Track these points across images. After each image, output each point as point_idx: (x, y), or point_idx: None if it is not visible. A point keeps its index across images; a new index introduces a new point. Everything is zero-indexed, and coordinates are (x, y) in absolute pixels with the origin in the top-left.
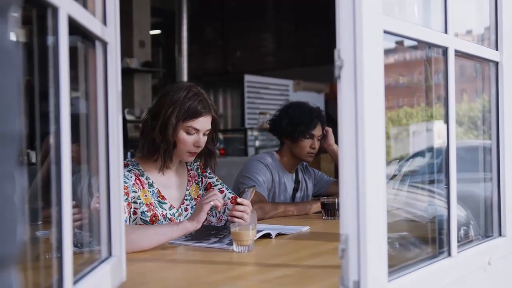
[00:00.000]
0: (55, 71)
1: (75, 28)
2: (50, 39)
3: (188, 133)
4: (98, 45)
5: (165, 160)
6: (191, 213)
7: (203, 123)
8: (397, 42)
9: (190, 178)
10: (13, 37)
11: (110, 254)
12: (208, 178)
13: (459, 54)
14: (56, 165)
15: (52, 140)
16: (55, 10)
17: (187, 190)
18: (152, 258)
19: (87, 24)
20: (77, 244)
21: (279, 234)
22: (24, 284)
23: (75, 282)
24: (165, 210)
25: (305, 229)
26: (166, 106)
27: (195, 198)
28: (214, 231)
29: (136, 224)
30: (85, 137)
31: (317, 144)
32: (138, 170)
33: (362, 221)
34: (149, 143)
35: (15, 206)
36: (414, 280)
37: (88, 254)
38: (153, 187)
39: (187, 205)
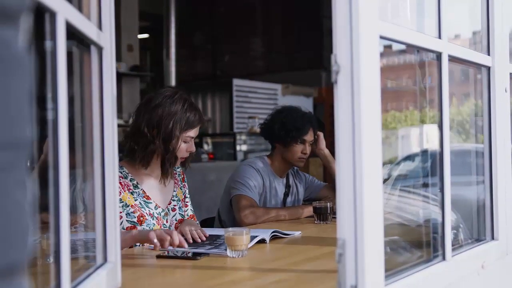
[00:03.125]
0: (53, 75)
1: (71, 33)
2: (47, 44)
3: (185, 142)
4: (94, 50)
5: (169, 170)
6: (179, 213)
7: (197, 130)
8: (385, 46)
9: (176, 181)
10: (23, 44)
11: (105, 260)
12: (186, 188)
13: (451, 59)
14: (54, 170)
15: (49, 145)
16: (53, 15)
17: (174, 191)
18: (147, 264)
19: (83, 29)
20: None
21: (274, 237)
22: None
23: None
24: (151, 209)
25: (297, 233)
26: (165, 118)
27: (181, 200)
28: (209, 241)
29: (122, 228)
30: (80, 142)
31: (308, 150)
32: (121, 173)
33: (359, 226)
34: (150, 154)
35: (26, 213)
36: (410, 284)
37: (82, 260)
38: (138, 188)
39: (174, 205)
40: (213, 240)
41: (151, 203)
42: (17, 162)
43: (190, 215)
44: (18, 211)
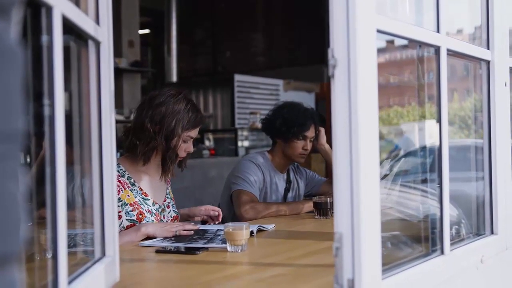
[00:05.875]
0: (49, 70)
1: (68, 27)
2: (43, 38)
3: (185, 141)
4: (91, 45)
5: (170, 167)
6: (173, 210)
7: (197, 131)
8: (387, 41)
9: (168, 180)
10: (15, 36)
11: (103, 254)
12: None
13: (451, 53)
14: (51, 166)
15: (46, 140)
16: (49, 9)
17: (167, 189)
18: (145, 258)
19: (80, 24)
20: (70, 244)
21: (260, 230)
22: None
23: (69, 282)
24: (150, 206)
25: (271, 227)
26: (168, 116)
27: (172, 198)
28: (196, 236)
29: (123, 227)
30: (78, 137)
31: (309, 146)
32: (118, 171)
33: (356, 220)
34: (151, 150)
35: (19, 204)
36: (408, 278)
37: (81, 254)
38: (136, 186)
39: (169, 202)
40: (202, 235)
41: (149, 199)
42: (10, 154)
43: (174, 216)
44: (10, 202)
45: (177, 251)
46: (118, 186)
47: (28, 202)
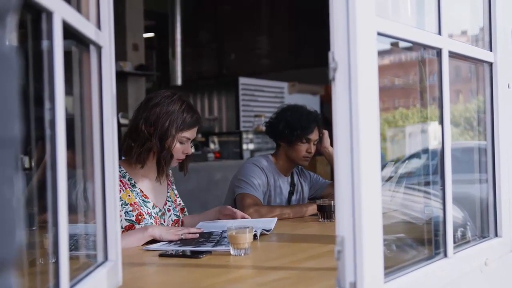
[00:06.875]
0: (49, 75)
1: (69, 32)
2: (44, 43)
3: (181, 142)
4: (93, 49)
5: (164, 169)
6: (174, 214)
7: (194, 132)
8: (392, 44)
9: (169, 183)
10: (11, 42)
11: (106, 258)
12: (175, 190)
13: (453, 55)
14: (52, 170)
15: (47, 145)
16: (49, 14)
17: (168, 192)
18: (148, 262)
19: (81, 29)
20: (72, 247)
21: (262, 234)
22: None
23: (71, 287)
24: (149, 208)
25: (273, 222)
26: (162, 117)
27: (174, 201)
28: (202, 239)
29: (121, 226)
30: (80, 142)
31: (313, 149)
32: (120, 172)
33: (358, 223)
34: (146, 151)
35: (14, 209)
36: (411, 281)
37: (83, 258)
38: (136, 187)
39: (169, 206)
40: (207, 238)
41: (149, 202)
42: (5, 159)
43: (175, 219)
44: (5, 207)
45: (180, 255)
46: (119, 185)
47: (32, 207)
